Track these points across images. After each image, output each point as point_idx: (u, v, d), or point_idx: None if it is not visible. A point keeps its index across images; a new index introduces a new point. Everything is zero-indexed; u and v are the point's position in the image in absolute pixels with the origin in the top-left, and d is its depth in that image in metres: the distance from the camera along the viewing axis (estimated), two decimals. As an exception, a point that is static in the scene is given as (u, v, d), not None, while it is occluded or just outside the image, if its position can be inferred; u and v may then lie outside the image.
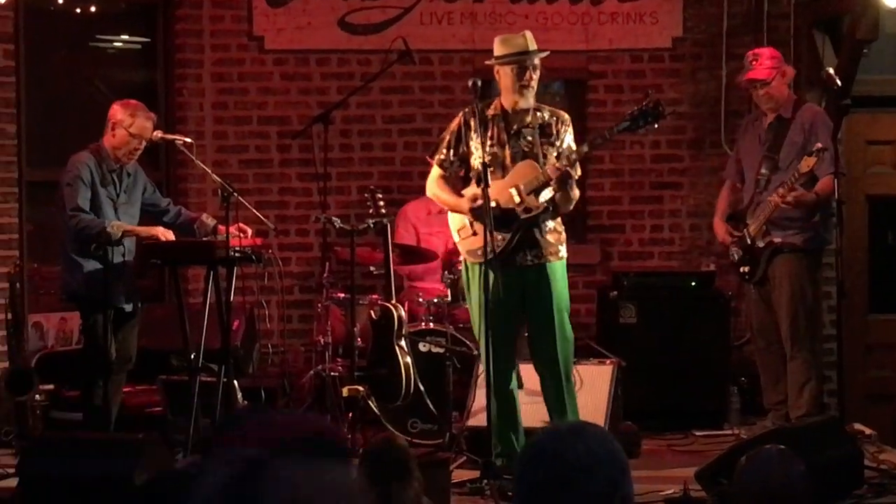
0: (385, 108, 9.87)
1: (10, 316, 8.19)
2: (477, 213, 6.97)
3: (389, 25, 9.79)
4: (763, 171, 8.12)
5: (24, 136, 8.85)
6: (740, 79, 8.39)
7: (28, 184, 8.87)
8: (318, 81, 9.81)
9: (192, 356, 7.47)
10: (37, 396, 7.95)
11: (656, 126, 7.11)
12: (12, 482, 6.99)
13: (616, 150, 9.59)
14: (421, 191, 9.28)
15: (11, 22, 8.66)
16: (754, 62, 8.17)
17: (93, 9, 9.50)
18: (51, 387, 8.17)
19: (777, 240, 8.01)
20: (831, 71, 7.60)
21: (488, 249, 6.80)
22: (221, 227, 7.62)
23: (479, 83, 7.09)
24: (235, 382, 7.53)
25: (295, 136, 9.37)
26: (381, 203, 8.20)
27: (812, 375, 8.07)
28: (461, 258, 8.36)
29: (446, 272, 8.47)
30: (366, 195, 8.28)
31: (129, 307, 7.75)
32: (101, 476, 6.58)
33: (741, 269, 8.20)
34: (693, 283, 8.95)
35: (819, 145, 7.69)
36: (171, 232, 7.76)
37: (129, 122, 7.67)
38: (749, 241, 8.09)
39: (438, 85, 9.87)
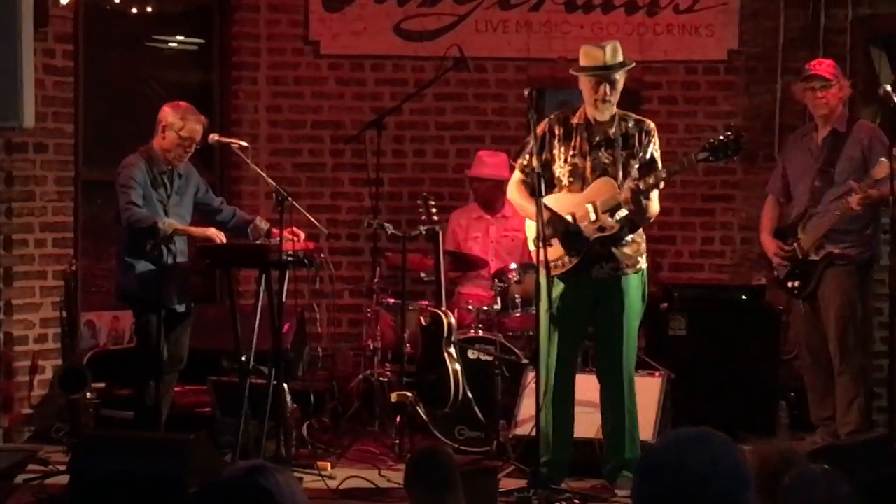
0: (438, 114, 9.92)
1: (64, 314, 8.27)
2: (553, 225, 6.94)
3: (444, 33, 9.84)
4: (817, 184, 8.09)
5: (82, 136, 8.94)
6: (797, 84, 8.33)
7: (84, 183, 8.95)
8: (372, 87, 9.87)
9: (244, 358, 7.52)
10: (88, 394, 8.02)
11: (735, 158, 7.04)
12: (63, 479, 7.08)
13: (667, 160, 9.58)
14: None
15: (71, 23, 8.74)
16: (816, 67, 8.16)
17: (149, 9, 9.59)
18: (102, 385, 8.24)
19: (836, 251, 7.97)
20: (889, 88, 7.59)
21: (559, 264, 6.83)
22: (275, 231, 7.69)
23: (535, 93, 7.08)
24: (285, 385, 7.57)
25: (348, 140, 9.45)
26: (434, 210, 8.24)
27: (860, 392, 8.04)
28: (512, 266, 8.44)
29: (496, 280, 8.50)
30: (418, 201, 8.32)
31: (181, 308, 7.81)
32: (151, 475, 6.65)
33: (789, 285, 8.17)
34: (743, 297, 8.93)
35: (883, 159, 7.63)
36: (223, 234, 7.82)
37: (179, 125, 7.72)
38: (801, 255, 8.06)
39: (492, 93, 9.90)
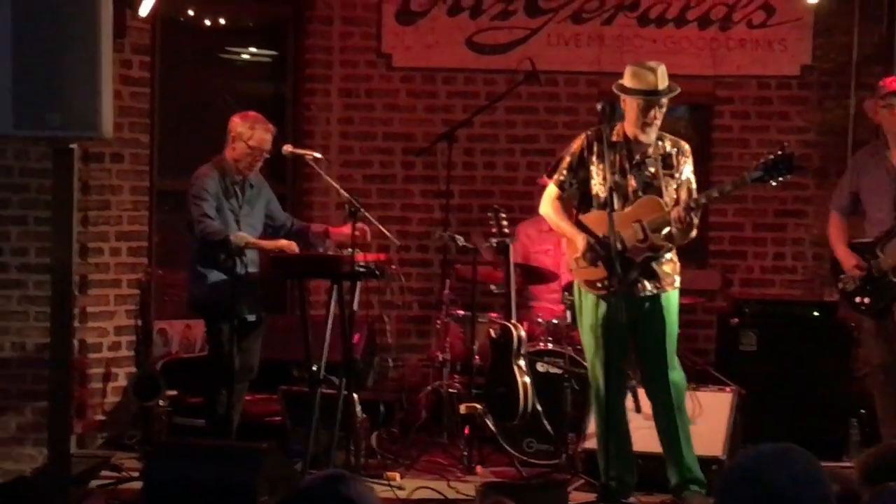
0: (509, 127, 9.95)
1: (138, 322, 8.36)
2: (593, 253, 6.93)
3: (516, 46, 9.88)
4: None
5: (157, 146, 9.04)
6: (871, 101, 8.25)
7: (158, 192, 9.05)
8: (443, 99, 9.93)
9: (314, 368, 7.58)
10: (161, 402, 8.10)
11: (789, 177, 6.99)
12: (136, 485, 7.17)
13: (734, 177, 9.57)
14: (540, 210, 9.36)
15: (149, 35, 8.85)
16: (892, 84, 8.05)
17: (223, 22, 9.69)
18: (175, 393, 8.32)
19: None
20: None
21: (606, 284, 6.83)
22: (333, 229, 7.79)
23: (608, 107, 7.07)
24: (355, 395, 7.62)
25: (419, 153, 9.50)
26: (504, 222, 8.26)
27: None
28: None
29: (566, 293, 8.50)
30: (489, 214, 8.34)
31: (252, 318, 7.88)
32: (223, 483, 6.74)
33: (857, 300, 8.06)
34: (815, 313, 8.87)
35: None
36: (295, 245, 7.89)
37: (248, 135, 7.80)
38: (878, 274, 7.95)
39: (563, 106, 9.93)
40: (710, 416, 7.64)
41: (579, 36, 9.93)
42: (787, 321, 8.81)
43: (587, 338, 7.07)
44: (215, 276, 7.74)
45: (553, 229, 8.97)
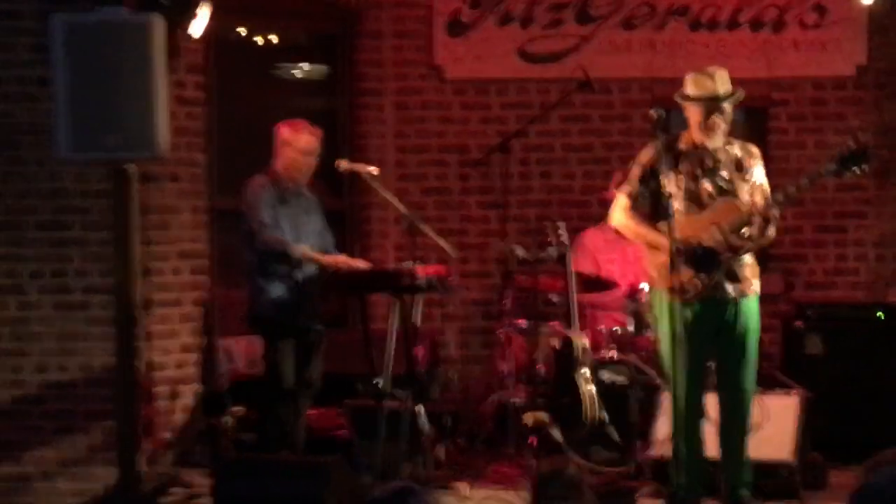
0: (564, 136, 9.96)
1: (203, 341, 8.41)
2: (680, 252, 6.91)
3: (568, 54, 9.90)
4: None
5: (214, 165, 9.10)
6: None
7: (217, 211, 9.10)
8: (497, 110, 9.95)
9: (379, 381, 7.61)
10: (227, 419, 8.15)
11: (865, 169, 6.93)
12: (206, 501, 7.23)
13: (797, 178, 9.54)
14: (599, 219, 9.36)
15: (202, 54, 8.91)
16: None
17: (274, 39, 9.75)
18: (240, 409, 8.37)
19: None
20: None
21: (690, 290, 6.81)
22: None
23: (662, 114, 7.05)
24: (420, 408, 7.64)
25: (475, 164, 9.53)
26: (562, 232, 8.27)
27: None
28: (644, 287, 8.44)
29: (629, 301, 8.50)
30: (546, 224, 8.35)
31: (312, 330, 7.92)
32: (291, 497, 6.79)
33: None
34: (880, 314, 8.83)
35: None
36: (354, 260, 7.93)
37: (295, 140, 7.90)
38: None
39: (617, 113, 9.93)
40: (777, 421, 7.61)
41: (631, 42, 9.94)
42: (852, 323, 8.77)
43: (667, 345, 7.01)
44: (276, 289, 7.78)
45: (621, 238, 9.00)
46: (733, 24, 9.87)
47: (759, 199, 6.94)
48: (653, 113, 6.97)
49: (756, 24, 9.88)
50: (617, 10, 9.96)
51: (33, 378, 8.25)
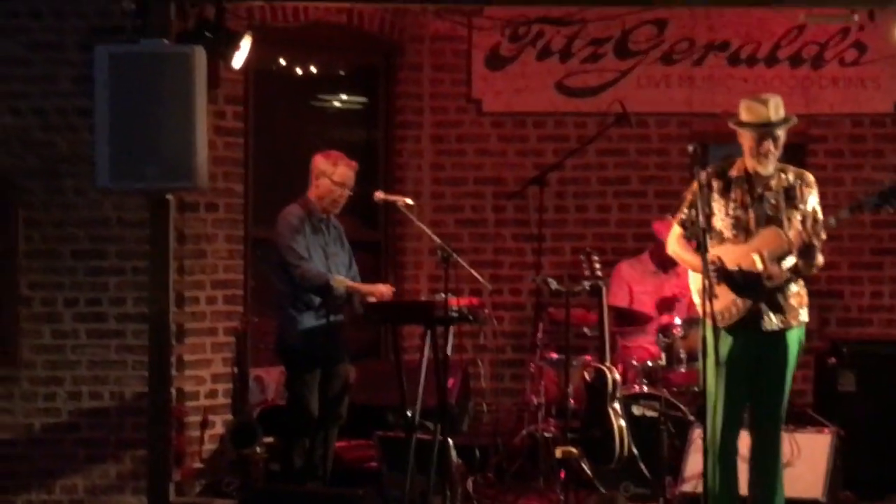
0: (600, 169, 9.98)
1: (235, 370, 8.46)
2: (719, 275, 6.90)
3: (606, 88, 9.93)
4: None
5: (251, 195, 9.16)
6: None
7: (253, 241, 9.16)
8: (534, 143, 9.99)
9: (409, 413, 7.63)
10: (258, 449, 8.17)
11: None
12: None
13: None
14: (635, 252, 9.39)
15: (242, 85, 8.99)
16: None
17: (314, 70, 9.81)
18: (271, 440, 8.40)
19: None
20: None
21: (726, 315, 6.79)
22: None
23: (699, 149, 7.04)
24: (450, 440, 7.65)
25: (511, 196, 9.54)
26: (597, 265, 8.28)
27: None
28: (677, 321, 8.44)
29: (661, 335, 8.50)
30: (581, 257, 8.37)
31: (340, 364, 7.96)
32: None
33: None
34: (915, 352, 8.80)
35: None
36: (392, 289, 7.96)
37: (331, 171, 7.96)
38: None
39: (654, 147, 9.95)
40: (808, 458, 7.59)
41: (670, 77, 9.96)
42: (887, 361, 8.71)
43: (709, 373, 6.96)
44: (308, 320, 7.82)
45: (658, 272, 8.99)
46: (772, 60, 9.89)
47: (808, 228, 6.91)
48: (690, 148, 6.98)
49: (795, 61, 9.88)
50: (657, 45, 9.98)
51: (67, 405, 8.33)
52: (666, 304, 8.84)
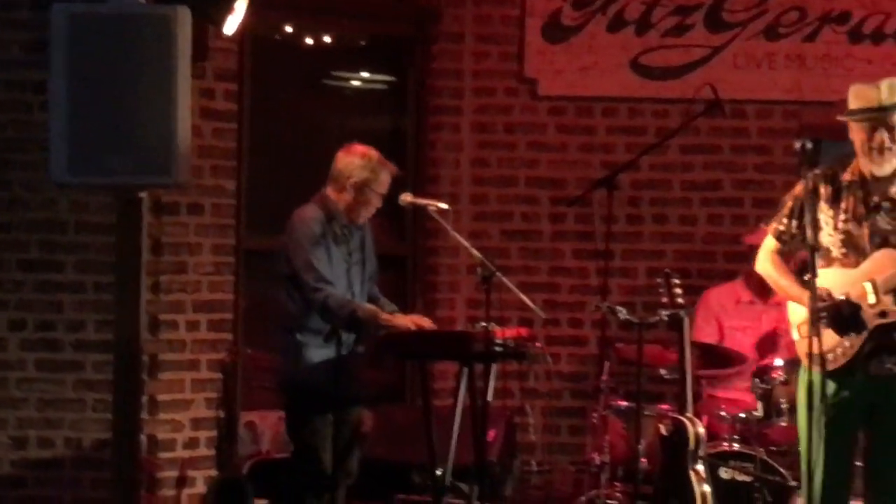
0: (685, 171, 9.96)
1: (222, 414, 8.46)
2: (822, 310, 6.82)
3: (694, 69, 9.92)
4: None
5: (245, 195, 9.16)
6: None
7: (245, 252, 9.14)
8: (602, 136, 9.98)
9: (439, 472, 7.59)
10: (248, 513, 8.20)
11: None
12: None
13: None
14: (727, 276, 9.32)
15: (235, 57, 8.98)
16: None
17: (328, 40, 9.81)
18: (265, 502, 8.39)
19: None
20: None
21: (831, 358, 6.73)
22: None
23: (810, 146, 6.96)
24: (489, 508, 7.65)
25: (572, 202, 9.51)
26: (678, 290, 8.23)
27: None
28: (777, 363, 8.37)
29: (757, 380, 8.43)
30: (658, 280, 8.32)
31: (353, 408, 7.93)
32: None
33: None
34: None
35: None
36: (429, 321, 7.92)
37: (372, 179, 7.85)
38: None
39: (754, 144, 9.92)
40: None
41: (774, 56, 9.93)
42: None
43: (802, 427, 6.92)
44: (318, 349, 7.75)
45: (754, 301, 8.92)
46: (905, 36, 9.85)
47: None
48: (797, 144, 6.89)
49: (934, 35, 9.85)
50: (758, 14, 9.97)
51: (9, 455, 8.33)
52: (768, 343, 8.79)
